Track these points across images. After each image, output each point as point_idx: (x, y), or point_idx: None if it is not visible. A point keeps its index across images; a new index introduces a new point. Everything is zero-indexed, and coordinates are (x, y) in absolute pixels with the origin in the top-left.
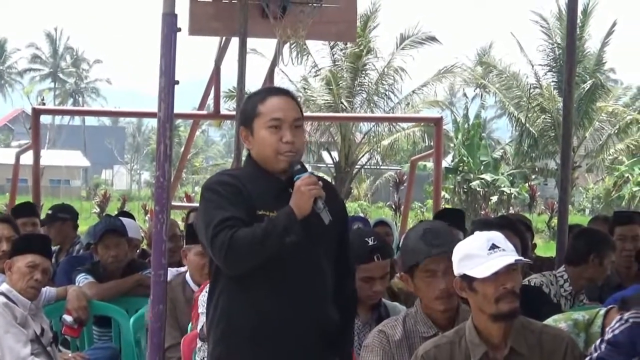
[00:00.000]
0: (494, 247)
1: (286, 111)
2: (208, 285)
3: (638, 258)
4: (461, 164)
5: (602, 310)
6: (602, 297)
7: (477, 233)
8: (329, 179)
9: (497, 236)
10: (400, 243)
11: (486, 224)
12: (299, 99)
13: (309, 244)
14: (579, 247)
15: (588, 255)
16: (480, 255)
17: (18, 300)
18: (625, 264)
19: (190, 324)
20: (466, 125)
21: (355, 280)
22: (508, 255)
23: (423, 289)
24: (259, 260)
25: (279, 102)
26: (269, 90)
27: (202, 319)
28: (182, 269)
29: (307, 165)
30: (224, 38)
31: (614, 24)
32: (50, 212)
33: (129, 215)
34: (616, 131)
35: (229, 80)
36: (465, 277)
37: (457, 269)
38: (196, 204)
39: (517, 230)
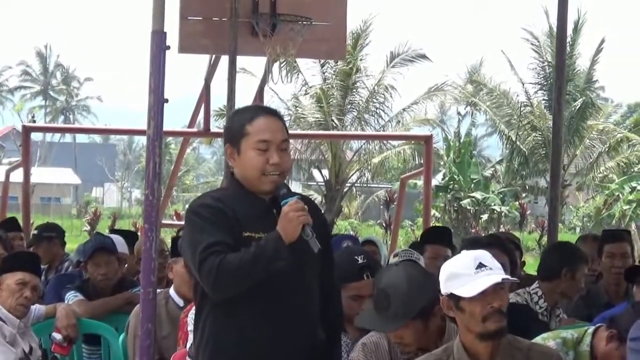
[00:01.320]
0: (481, 265)
1: (274, 132)
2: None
3: (627, 276)
4: (452, 182)
5: (591, 329)
6: (591, 316)
7: (464, 252)
8: (319, 198)
9: (484, 255)
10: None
11: (474, 243)
12: (289, 117)
13: (296, 268)
14: (551, 262)
15: (560, 270)
16: (467, 274)
17: (7, 319)
18: (615, 281)
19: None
20: (457, 144)
21: (340, 301)
22: (495, 274)
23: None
24: (247, 285)
25: (268, 123)
26: (257, 109)
27: (192, 337)
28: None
29: (297, 184)
30: (213, 56)
31: (603, 42)
32: (36, 232)
33: (121, 233)
34: (606, 149)
35: (218, 98)
36: (452, 296)
37: (444, 288)
38: None
39: (506, 248)
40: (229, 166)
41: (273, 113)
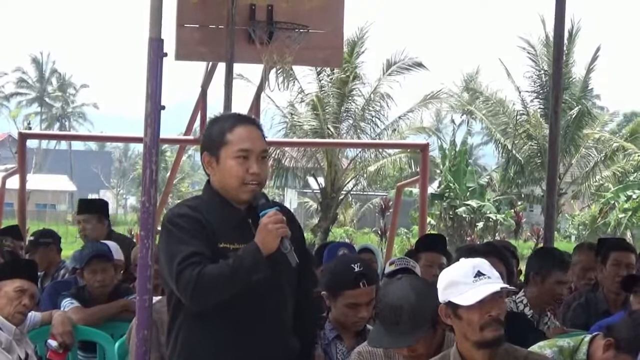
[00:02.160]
0: (479, 274)
1: (255, 142)
2: None
3: (624, 286)
4: (447, 190)
5: (587, 337)
6: (589, 324)
7: (462, 260)
8: (315, 205)
9: (482, 263)
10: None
11: (471, 251)
12: (285, 124)
13: (273, 278)
14: (526, 268)
15: (528, 275)
16: (465, 283)
17: (3, 325)
18: (616, 290)
19: None
20: (452, 152)
21: (317, 310)
22: (493, 282)
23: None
24: (225, 296)
25: (248, 132)
26: (237, 118)
27: None
28: None
29: (293, 191)
30: (210, 63)
31: (598, 50)
32: (32, 238)
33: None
34: (602, 158)
35: (215, 105)
36: (450, 304)
37: (442, 296)
38: None
39: (503, 256)
40: (206, 174)
41: (253, 122)
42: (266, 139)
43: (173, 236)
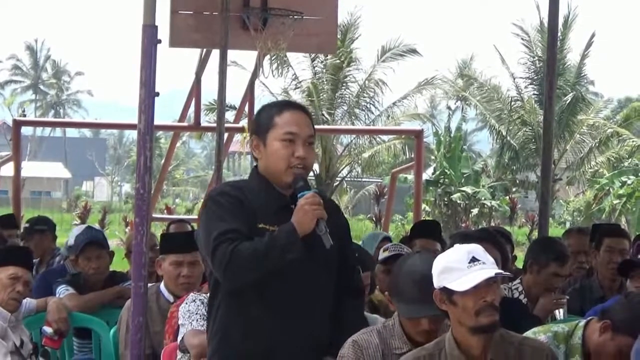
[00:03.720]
0: (474, 260)
1: (302, 126)
2: (186, 297)
3: (621, 271)
4: (442, 177)
5: (582, 322)
6: (584, 310)
7: (457, 246)
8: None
9: (477, 249)
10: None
11: (466, 237)
12: None
13: (310, 262)
14: (525, 256)
15: (526, 263)
16: (460, 269)
17: None
18: (610, 276)
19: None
20: (447, 138)
21: (363, 301)
22: (488, 268)
23: (408, 324)
24: (258, 275)
25: (296, 117)
26: (287, 103)
27: (183, 330)
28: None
29: None
30: (204, 50)
31: (593, 36)
32: (27, 225)
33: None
34: (597, 144)
35: (209, 92)
36: (445, 290)
37: (437, 282)
38: (176, 216)
39: (497, 242)
40: (221, 160)
41: (301, 108)
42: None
43: (212, 213)
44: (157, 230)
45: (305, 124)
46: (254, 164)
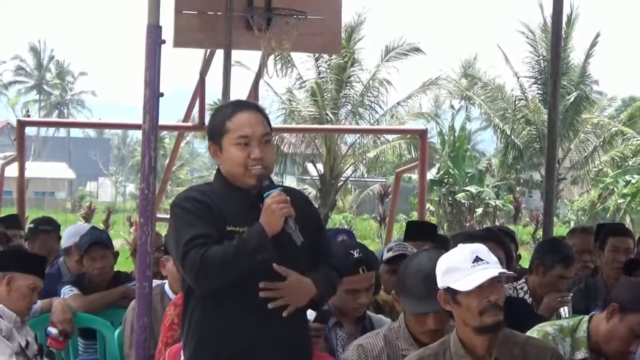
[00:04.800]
0: (477, 259)
1: (254, 127)
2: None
3: (625, 270)
4: (446, 176)
5: (586, 317)
6: (589, 309)
7: (460, 245)
8: (314, 192)
9: (481, 249)
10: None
11: (470, 237)
12: (284, 110)
13: (281, 261)
14: (532, 256)
15: (532, 264)
16: (464, 268)
17: (3, 314)
18: (615, 275)
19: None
20: (451, 137)
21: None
22: (492, 267)
23: (414, 323)
24: (229, 278)
25: (247, 118)
26: (237, 104)
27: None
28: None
29: (292, 178)
30: (208, 50)
31: (598, 35)
32: (32, 225)
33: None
34: (601, 143)
35: (213, 92)
36: (449, 290)
37: (441, 282)
38: None
39: (501, 242)
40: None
41: (253, 107)
42: (270, 122)
43: (180, 219)
44: (162, 230)
45: (258, 123)
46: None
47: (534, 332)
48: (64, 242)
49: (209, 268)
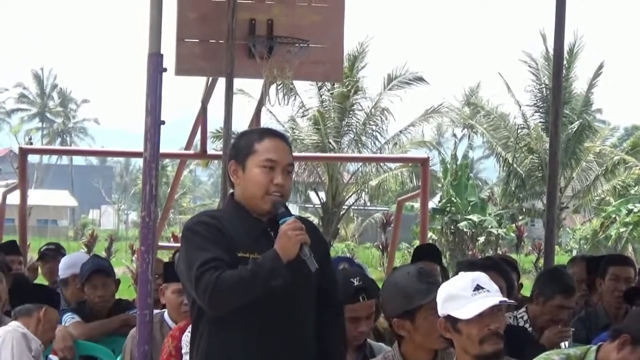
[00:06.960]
0: (478, 287)
1: (282, 154)
2: (187, 325)
3: (627, 298)
4: (448, 205)
5: (594, 347)
6: (590, 338)
7: (461, 274)
8: (316, 220)
9: (481, 277)
10: (383, 290)
11: (471, 265)
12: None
13: (294, 287)
14: (533, 286)
15: (533, 293)
16: (464, 296)
17: (33, 339)
18: (616, 304)
19: None
20: (454, 166)
21: (342, 324)
22: (492, 296)
23: (428, 328)
24: (243, 302)
25: (276, 145)
26: (267, 130)
27: (186, 359)
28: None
29: (294, 206)
30: (210, 78)
31: (602, 66)
32: (43, 249)
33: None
34: (603, 172)
35: (215, 120)
36: (449, 318)
37: (442, 310)
38: None
39: (502, 270)
40: (228, 187)
41: (281, 136)
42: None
43: (192, 243)
44: (165, 258)
45: (285, 152)
46: (230, 190)
47: None
48: (61, 273)
49: (223, 291)
